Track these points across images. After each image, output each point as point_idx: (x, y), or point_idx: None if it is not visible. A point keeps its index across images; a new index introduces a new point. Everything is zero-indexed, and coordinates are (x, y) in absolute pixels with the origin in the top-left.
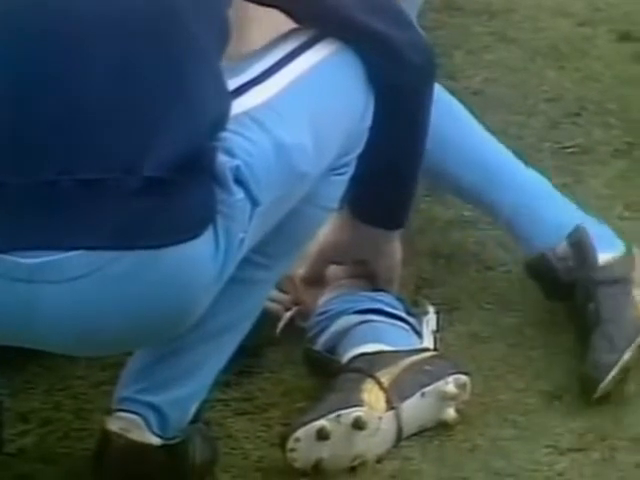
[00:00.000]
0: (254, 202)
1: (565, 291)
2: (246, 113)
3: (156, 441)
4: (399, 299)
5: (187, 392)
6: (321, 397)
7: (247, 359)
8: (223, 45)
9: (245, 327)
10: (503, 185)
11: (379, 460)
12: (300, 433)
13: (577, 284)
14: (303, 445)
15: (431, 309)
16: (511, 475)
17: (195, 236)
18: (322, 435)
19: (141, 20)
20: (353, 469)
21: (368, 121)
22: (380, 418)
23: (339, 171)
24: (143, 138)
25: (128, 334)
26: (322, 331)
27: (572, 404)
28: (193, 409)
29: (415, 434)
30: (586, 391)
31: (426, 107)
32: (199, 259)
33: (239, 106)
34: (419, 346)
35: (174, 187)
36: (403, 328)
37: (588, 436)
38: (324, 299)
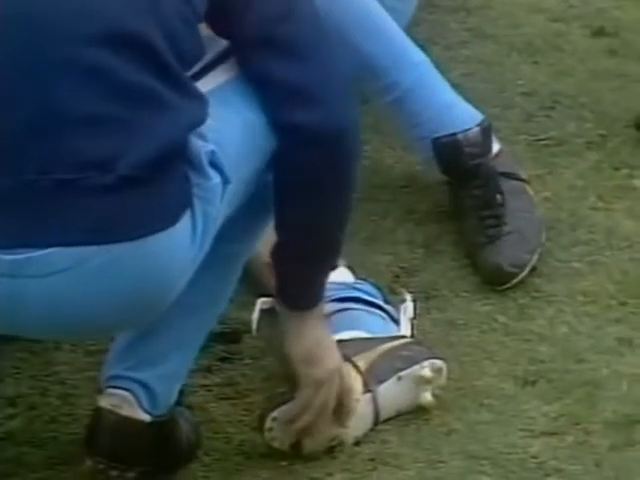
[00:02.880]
0: (225, 181)
1: (462, 174)
2: (210, 92)
3: (146, 417)
4: (377, 287)
5: (173, 367)
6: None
7: (228, 346)
8: (197, 57)
9: (222, 301)
10: (405, 65)
11: (357, 443)
12: (277, 413)
13: (481, 171)
14: (281, 425)
15: (408, 297)
16: (486, 458)
17: (172, 224)
18: None
19: (116, 35)
20: (332, 453)
21: None
22: (357, 400)
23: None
24: (118, 140)
25: (110, 321)
26: None
27: (545, 389)
28: (178, 386)
29: (392, 418)
30: (497, 282)
31: (336, 169)
32: (177, 244)
33: (203, 86)
34: (396, 334)
35: (149, 182)
36: (381, 316)
37: (562, 420)
38: None
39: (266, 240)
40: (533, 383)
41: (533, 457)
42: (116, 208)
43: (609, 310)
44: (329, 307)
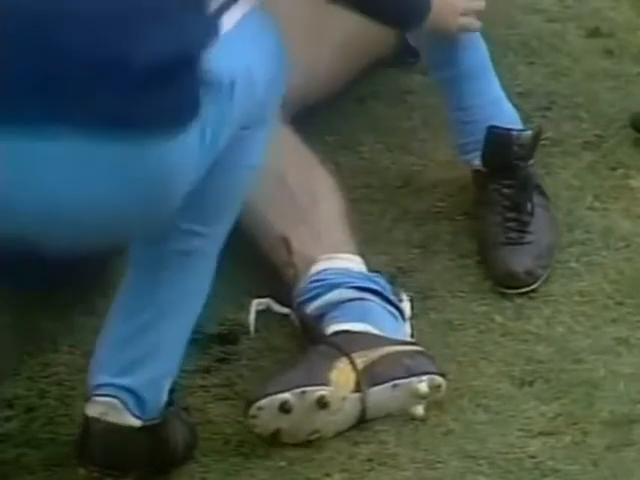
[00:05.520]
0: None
1: (501, 168)
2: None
3: (135, 422)
4: (390, 283)
5: (158, 370)
6: (291, 367)
7: (226, 347)
8: None
9: (199, 299)
10: (471, 46)
11: (355, 444)
12: (263, 403)
13: (519, 173)
14: (265, 414)
15: (404, 296)
16: (484, 458)
17: (182, 124)
18: (285, 408)
19: None
20: (329, 452)
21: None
22: (344, 399)
23: (253, 128)
24: (139, 37)
25: (106, 222)
26: (315, 297)
27: (542, 389)
28: (166, 388)
29: (390, 419)
30: (507, 284)
31: None
32: (186, 147)
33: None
34: (405, 337)
35: (163, 83)
36: (394, 314)
37: (559, 420)
38: (319, 268)
39: (277, 212)
40: (530, 383)
41: (531, 457)
42: (129, 104)
43: (606, 310)
44: (346, 293)
